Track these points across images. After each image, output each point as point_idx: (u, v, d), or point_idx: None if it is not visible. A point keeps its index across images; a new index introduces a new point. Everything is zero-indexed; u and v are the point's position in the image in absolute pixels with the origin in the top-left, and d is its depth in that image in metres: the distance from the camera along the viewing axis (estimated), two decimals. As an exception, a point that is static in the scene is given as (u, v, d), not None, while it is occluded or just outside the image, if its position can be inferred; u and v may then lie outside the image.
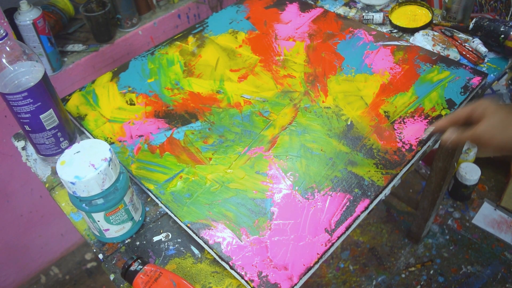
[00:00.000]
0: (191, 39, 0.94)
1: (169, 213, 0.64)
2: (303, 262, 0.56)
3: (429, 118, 0.72)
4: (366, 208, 0.62)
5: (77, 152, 0.55)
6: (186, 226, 0.61)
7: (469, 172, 1.44)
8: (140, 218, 0.63)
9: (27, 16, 1.03)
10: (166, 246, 0.61)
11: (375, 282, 1.34)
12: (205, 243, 0.59)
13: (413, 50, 0.85)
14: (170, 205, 0.64)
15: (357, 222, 0.61)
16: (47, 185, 0.71)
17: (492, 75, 0.81)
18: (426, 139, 0.68)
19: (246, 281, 0.55)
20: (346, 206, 0.62)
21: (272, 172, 0.67)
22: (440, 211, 1.50)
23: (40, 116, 0.64)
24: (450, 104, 0.74)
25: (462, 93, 0.75)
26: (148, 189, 0.66)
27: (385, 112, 0.74)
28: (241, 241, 0.59)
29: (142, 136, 0.75)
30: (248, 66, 0.86)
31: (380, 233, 1.46)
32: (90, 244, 0.63)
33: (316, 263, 0.56)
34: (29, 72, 0.62)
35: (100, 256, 0.61)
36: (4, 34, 0.59)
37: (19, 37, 1.07)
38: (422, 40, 0.87)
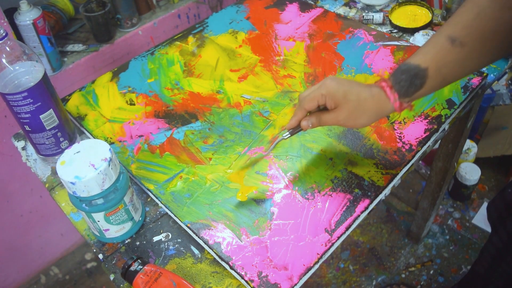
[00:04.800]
0: (191, 39, 0.94)
1: (169, 213, 0.64)
2: (303, 262, 0.56)
3: (429, 118, 0.72)
4: (366, 208, 0.62)
5: (77, 152, 0.55)
6: (186, 226, 0.61)
7: (469, 172, 1.44)
8: (140, 218, 0.63)
9: (27, 16, 1.03)
10: (166, 246, 0.61)
11: (375, 282, 1.34)
12: (205, 243, 0.59)
13: (413, 50, 0.85)
14: (170, 205, 0.64)
15: (357, 222, 0.61)
16: (47, 185, 0.71)
17: (492, 75, 0.81)
18: (292, 134, 0.64)
19: (246, 281, 0.55)
20: (346, 206, 0.62)
21: (272, 172, 0.67)
22: (440, 211, 1.50)
23: (40, 116, 0.64)
24: (450, 104, 0.74)
25: (462, 93, 0.75)
26: (148, 189, 0.66)
27: (385, 112, 0.74)
28: (241, 241, 0.59)
29: (142, 136, 0.75)
30: (248, 66, 0.86)
31: (380, 233, 1.46)
32: (90, 244, 0.63)
33: (316, 263, 0.56)
34: (29, 72, 0.62)
35: (100, 256, 0.61)
36: (4, 34, 0.59)
37: (19, 37, 1.07)
38: (422, 40, 0.87)
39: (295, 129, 0.63)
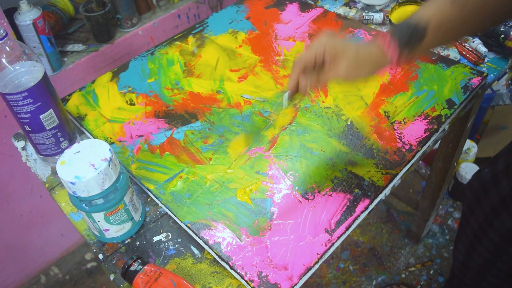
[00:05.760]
0: (191, 39, 0.94)
1: (169, 213, 0.64)
2: (303, 262, 0.56)
3: (429, 118, 0.72)
4: (366, 208, 0.62)
5: (77, 152, 0.55)
6: (186, 226, 0.61)
7: (469, 172, 1.44)
8: (140, 218, 0.63)
9: (27, 16, 1.03)
10: (166, 246, 0.61)
11: (375, 282, 1.34)
12: (205, 243, 0.59)
13: (413, 50, 0.85)
14: (170, 205, 0.64)
15: (357, 222, 0.61)
16: (47, 185, 0.71)
17: (492, 75, 0.81)
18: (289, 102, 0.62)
19: (246, 281, 0.55)
20: (346, 206, 0.62)
21: (272, 172, 0.67)
22: (440, 211, 1.50)
23: (40, 116, 0.64)
24: (450, 104, 0.74)
25: (462, 93, 0.75)
26: (148, 189, 0.67)
27: (385, 112, 0.74)
28: (241, 241, 0.59)
29: (142, 136, 0.75)
30: (248, 66, 0.86)
31: (380, 233, 1.46)
32: (90, 244, 0.63)
33: (316, 263, 0.56)
34: (29, 72, 0.62)
35: (100, 256, 0.61)
36: (4, 34, 0.59)
37: (19, 37, 1.07)
38: (422, 40, 0.87)
39: (292, 91, 0.61)
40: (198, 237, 0.60)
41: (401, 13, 0.95)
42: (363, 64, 0.57)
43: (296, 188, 0.65)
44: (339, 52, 0.57)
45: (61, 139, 0.69)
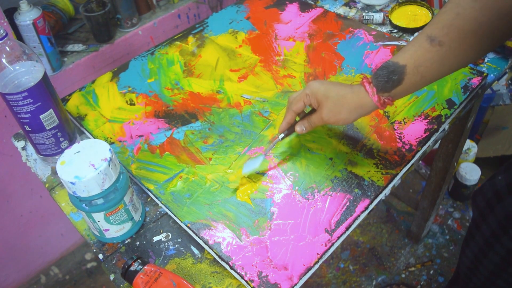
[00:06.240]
0: (191, 39, 0.94)
1: (169, 213, 0.64)
2: (303, 262, 0.56)
3: (429, 118, 0.72)
4: (366, 208, 0.62)
5: (77, 152, 0.55)
6: (186, 226, 0.61)
7: (469, 172, 1.44)
8: (140, 218, 0.63)
9: (27, 16, 1.03)
10: (166, 246, 0.61)
11: (375, 282, 1.34)
12: (205, 243, 0.59)
13: (413, 50, 0.85)
14: (170, 205, 0.64)
15: (357, 222, 0.61)
16: (47, 185, 0.71)
17: (492, 75, 0.81)
18: (285, 136, 0.67)
19: (246, 281, 0.55)
20: (346, 206, 0.62)
21: (272, 172, 0.67)
22: (440, 211, 1.50)
23: (40, 116, 0.64)
24: (450, 104, 0.74)
25: (462, 93, 0.75)
26: (148, 189, 0.66)
27: (385, 112, 0.74)
28: (241, 241, 0.59)
29: (142, 136, 0.75)
30: (248, 66, 0.86)
31: (380, 233, 1.46)
32: (90, 244, 0.63)
33: (316, 263, 0.56)
34: (29, 72, 0.62)
35: (100, 256, 0.61)
36: (4, 34, 0.59)
37: (19, 37, 1.07)
38: (422, 40, 0.87)
39: (289, 131, 0.66)
40: (198, 237, 0.60)
41: (401, 13, 0.95)
42: (342, 106, 0.59)
43: (296, 188, 0.65)
44: (321, 98, 0.60)
45: (61, 139, 0.69)
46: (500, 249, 0.73)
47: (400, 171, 0.66)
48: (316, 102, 0.61)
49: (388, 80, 0.56)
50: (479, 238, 0.78)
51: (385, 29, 0.94)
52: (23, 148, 0.78)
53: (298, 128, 0.64)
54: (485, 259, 0.78)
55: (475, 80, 0.77)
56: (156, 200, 0.66)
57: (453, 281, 1.00)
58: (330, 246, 0.58)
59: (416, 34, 0.89)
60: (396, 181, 0.65)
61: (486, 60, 0.84)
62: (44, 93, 0.63)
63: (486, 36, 0.53)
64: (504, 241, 0.72)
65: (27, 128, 0.66)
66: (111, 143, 0.74)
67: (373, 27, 0.94)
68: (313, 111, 0.64)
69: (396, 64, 0.56)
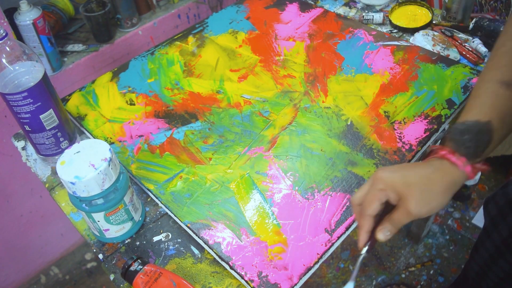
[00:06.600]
0: (191, 39, 0.94)
1: (169, 213, 0.64)
2: (303, 262, 0.56)
3: (429, 118, 0.72)
4: (366, 208, 0.62)
5: (77, 152, 0.55)
6: (186, 226, 0.61)
7: (469, 172, 1.43)
8: (140, 218, 0.63)
9: (27, 16, 1.03)
10: (166, 246, 0.61)
11: (375, 282, 1.34)
12: (205, 243, 0.59)
13: (413, 50, 0.85)
14: (170, 205, 0.64)
15: (357, 222, 0.61)
16: (47, 185, 0.71)
17: (492, 75, 0.81)
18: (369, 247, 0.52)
19: (246, 281, 0.55)
20: (346, 206, 0.62)
21: (272, 172, 0.67)
22: (440, 211, 1.50)
23: (40, 116, 0.64)
24: (450, 104, 0.74)
25: (462, 93, 0.75)
26: (148, 189, 0.66)
27: (385, 112, 0.74)
28: (241, 241, 0.59)
29: (142, 136, 0.75)
30: (248, 66, 0.86)
31: (380, 233, 1.46)
32: (90, 244, 0.63)
33: (316, 263, 0.56)
34: (29, 72, 0.62)
35: (100, 256, 0.61)
36: (4, 34, 0.59)
37: (19, 37, 1.07)
38: (422, 40, 0.87)
39: (371, 242, 0.52)
40: (198, 237, 0.60)
41: (401, 13, 0.95)
42: (433, 191, 0.47)
43: (296, 188, 0.65)
44: (403, 189, 0.47)
45: (61, 139, 0.69)
46: (510, 257, 0.73)
47: (400, 171, 0.66)
48: (397, 196, 0.48)
49: (478, 144, 0.48)
50: (489, 245, 0.78)
51: (385, 29, 0.94)
52: (23, 148, 0.78)
53: (382, 237, 0.50)
54: (494, 266, 0.78)
55: (475, 80, 0.77)
56: (156, 200, 0.66)
57: (460, 283, 0.99)
58: (330, 246, 0.58)
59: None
60: (396, 181, 0.65)
61: (486, 60, 0.84)
62: (44, 93, 0.63)
63: None
64: None
65: (27, 128, 0.66)
66: (111, 143, 0.74)
67: (373, 27, 0.94)
68: (389, 207, 0.50)
69: (479, 123, 0.48)
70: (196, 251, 0.60)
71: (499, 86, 0.48)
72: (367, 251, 0.51)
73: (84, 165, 0.53)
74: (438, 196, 0.47)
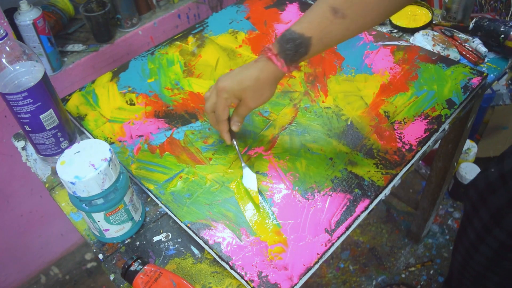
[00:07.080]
0: (191, 39, 0.94)
1: (169, 213, 0.64)
2: (303, 262, 0.56)
3: (429, 118, 0.72)
4: (366, 208, 0.62)
5: (77, 152, 0.55)
6: (186, 226, 0.61)
7: (469, 172, 1.44)
8: (140, 218, 0.63)
9: (27, 16, 1.03)
10: (166, 246, 0.61)
11: (375, 282, 1.34)
12: (205, 243, 0.59)
13: (413, 50, 0.85)
14: (170, 205, 0.64)
15: (357, 222, 0.61)
16: (47, 185, 0.71)
17: (492, 75, 0.81)
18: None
19: (246, 281, 0.55)
20: (346, 206, 0.62)
21: (272, 172, 0.67)
22: (440, 211, 1.50)
23: (40, 116, 0.64)
24: (450, 104, 0.74)
25: (462, 93, 0.75)
26: (148, 189, 0.66)
27: (385, 112, 0.74)
28: (241, 241, 0.59)
29: (142, 136, 0.74)
30: (248, 66, 0.86)
31: (380, 233, 1.46)
32: (90, 244, 0.63)
33: (316, 263, 0.56)
34: (29, 72, 0.62)
35: (100, 256, 0.61)
36: (4, 34, 0.59)
37: (19, 37, 1.07)
38: (422, 40, 0.87)
39: (233, 135, 0.68)
40: (198, 237, 0.60)
41: (401, 13, 0.95)
42: (266, 88, 0.62)
43: (296, 188, 0.65)
44: (240, 92, 0.62)
45: (61, 139, 0.69)
46: (492, 242, 0.73)
47: (400, 171, 0.66)
48: (236, 98, 0.63)
49: (296, 54, 0.58)
50: (470, 231, 0.78)
51: (385, 29, 0.94)
52: (23, 148, 0.78)
53: (234, 127, 0.66)
54: (476, 253, 0.77)
55: (475, 80, 0.77)
56: (156, 200, 0.66)
57: (447, 280, 0.99)
58: (330, 246, 0.58)
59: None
60: (396, 181, 0.65)
61: (486, 60, 0.84)
62: (44, 93, 0.63)
63: (387, 7, 0.56)
64: (496, 233, 0.71)
65: (27, 128, 0.66)
66: (111, 143, 0.74)
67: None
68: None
69: (302, 36, 0.57)
70: (196, 251, 0.60)
71: (328, 10, 0.56)
72: (236, 144, 0.68)
73: (84, 165, 0.53)
74: (266, 91, 0.63)
